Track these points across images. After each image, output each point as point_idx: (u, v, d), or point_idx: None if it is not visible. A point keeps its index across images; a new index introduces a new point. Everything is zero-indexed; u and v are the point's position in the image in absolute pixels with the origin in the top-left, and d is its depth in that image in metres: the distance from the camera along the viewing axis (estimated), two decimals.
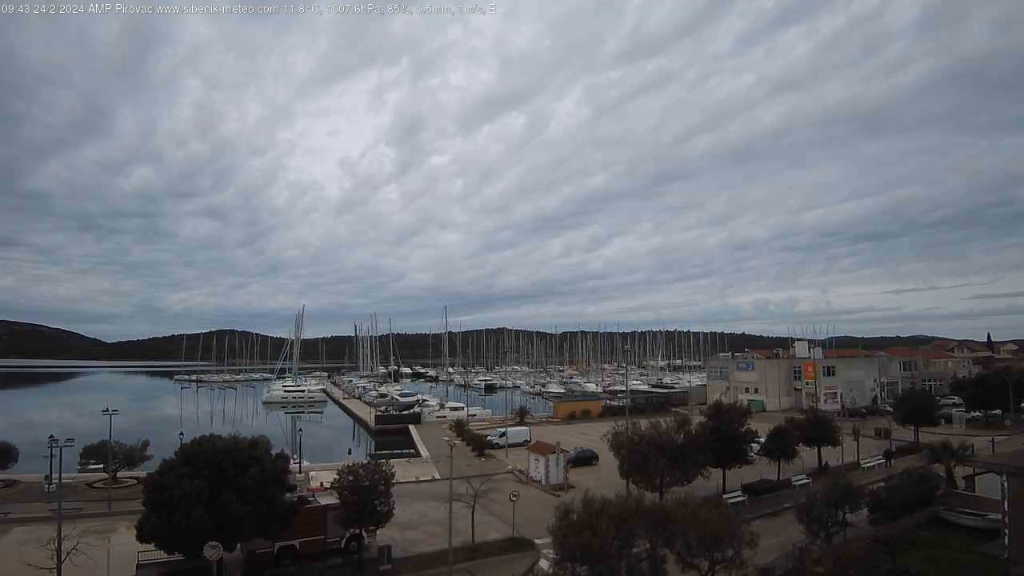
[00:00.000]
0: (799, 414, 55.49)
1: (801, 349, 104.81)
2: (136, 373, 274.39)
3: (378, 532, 31.82)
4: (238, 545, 27.27)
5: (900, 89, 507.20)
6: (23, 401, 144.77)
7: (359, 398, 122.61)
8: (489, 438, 62.67)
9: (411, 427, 78.66)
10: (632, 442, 37.36)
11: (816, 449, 50.17)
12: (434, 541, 32.96)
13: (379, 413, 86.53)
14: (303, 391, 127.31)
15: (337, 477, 30.57)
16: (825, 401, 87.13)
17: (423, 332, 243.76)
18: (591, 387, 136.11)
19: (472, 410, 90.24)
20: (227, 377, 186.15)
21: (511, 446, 60.31)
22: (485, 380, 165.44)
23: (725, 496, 38.60)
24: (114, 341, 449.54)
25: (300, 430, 62.06)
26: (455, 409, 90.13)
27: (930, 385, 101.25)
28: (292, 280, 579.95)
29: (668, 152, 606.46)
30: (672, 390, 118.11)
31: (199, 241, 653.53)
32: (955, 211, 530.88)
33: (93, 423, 56.41)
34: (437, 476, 49.61)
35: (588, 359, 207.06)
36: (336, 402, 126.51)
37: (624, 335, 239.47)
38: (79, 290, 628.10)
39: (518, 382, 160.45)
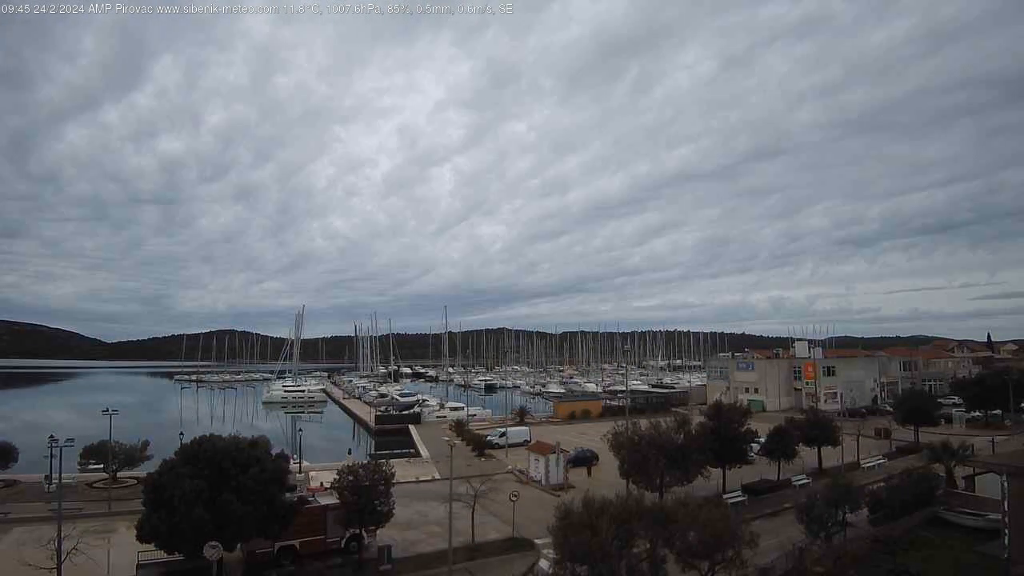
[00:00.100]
0: (799, 414, 55.56)
1: (801, 349, 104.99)
2: (136, 373, 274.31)
3: (378, 532, 31.82)
4: (238, 545, 27.29)
5: None
6: (23, 401, 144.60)
7: (359, 398, 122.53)
8: (489, 438, 62.68)
9: (411, 427, 78.74)
10: (632, 442, 37.35)
11: (816, 449, 50.19)
12: (434, 541, 32.97)
13: (379, 413, 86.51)
14: (303, 391, 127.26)
15: (337, 477, 30.59)
16: (825, 401, 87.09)
17: (423, 332, 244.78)
18: (591, 387, 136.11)
19: (472, 410, 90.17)
20: (227, 377, 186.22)
21: (511, 446, 60.33)
22: (485, 380, 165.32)
23: (725, 496, 38.68)
24: (114, 341, 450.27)
25: (300, 430, 62.16)
26: (455, 409, 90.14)
27: (930, 385, 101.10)
28: (312, 277, 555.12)
29: (770, 121, 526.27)
30: (672, 390, 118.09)
31: (219, 231, 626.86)
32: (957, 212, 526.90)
33: (93, 423, 56.29)
34: (437, 476, 49.60)
35: (588, 359, 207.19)
36: (336, 402, 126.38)
37: (624, 335, 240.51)
38: (86, 287, 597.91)
39: (518, 382, 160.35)
